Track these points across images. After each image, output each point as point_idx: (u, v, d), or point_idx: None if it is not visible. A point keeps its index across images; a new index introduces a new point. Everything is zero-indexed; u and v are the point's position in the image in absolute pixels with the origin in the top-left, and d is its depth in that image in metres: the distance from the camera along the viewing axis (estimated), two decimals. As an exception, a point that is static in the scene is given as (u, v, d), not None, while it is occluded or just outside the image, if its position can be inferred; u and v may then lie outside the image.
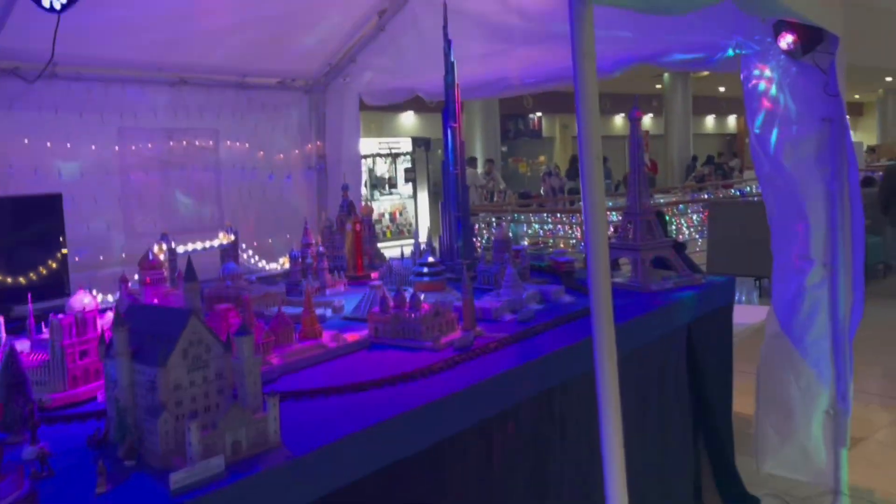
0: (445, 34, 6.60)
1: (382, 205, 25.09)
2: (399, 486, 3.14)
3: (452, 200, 6.71)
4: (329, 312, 5.26)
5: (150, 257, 5.25)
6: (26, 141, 6.50)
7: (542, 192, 25.45)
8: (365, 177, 25.07)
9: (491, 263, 6.15)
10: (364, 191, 25.27)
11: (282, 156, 8.66)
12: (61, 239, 6.10)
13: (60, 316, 3.49)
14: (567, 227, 16.51)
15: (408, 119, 25.90)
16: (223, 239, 6.70)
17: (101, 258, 6.88)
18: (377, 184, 24.55)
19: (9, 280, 5.89)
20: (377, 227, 25.54)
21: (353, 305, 5.29)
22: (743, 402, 6.19)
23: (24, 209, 6.08)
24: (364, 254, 7.24)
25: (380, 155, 25.13)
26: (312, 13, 7.56)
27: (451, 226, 6.73)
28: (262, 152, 8.42)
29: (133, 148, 7.30)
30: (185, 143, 7.74)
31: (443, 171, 6.89)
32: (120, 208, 7.20)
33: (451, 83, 6.68)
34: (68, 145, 6.75)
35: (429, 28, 6.96)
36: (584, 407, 3.85)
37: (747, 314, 6.92)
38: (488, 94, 9.47)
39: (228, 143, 8.12)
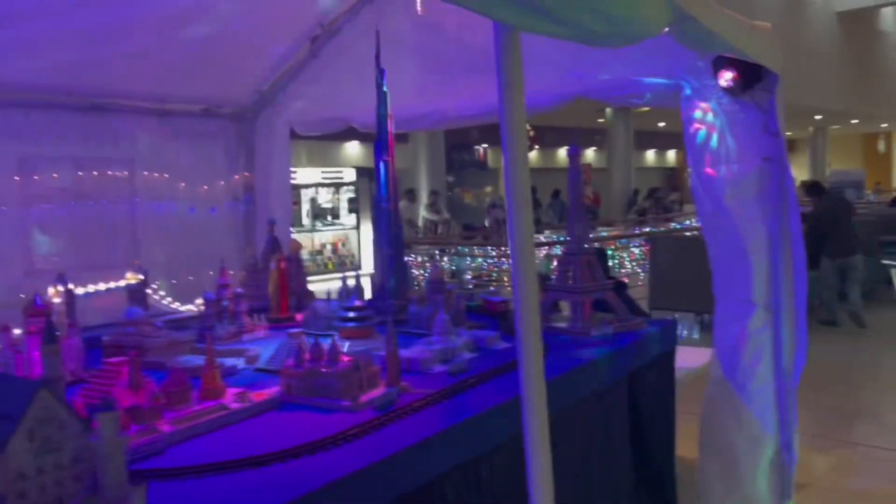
0: (378, 62, 6.27)
1: (325, 235, 24.47)
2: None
3: (384, 237, 6.33)
4: (242, 363, 4.78)
5: (37, 302, 4.69)
6: None
7: (486, 224, 25.28)
8: (307, 206, 24.50)
9: (424, 305, 5.77)
10: (306, 220, 24.66)
11: (206, 187, 8.14)
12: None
13: None
14: (509, 261, 16.29)
15: (352, 148, 25.52)
16: (131, 279, 6.15)
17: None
18: (319, 214, 23.95)
19: None
20: (318, 258, 24.93)
21: (270, 354, 4.83)
22: (687, 446, 5.92)
23: None
24: (291, 293, 6.77)
25: (322, 185, 24.56)
26: (241, 37, 7.13)
27: (384, 264, 6.34)
28: (183, 183, 7.89)
29: (36, 178, 6.71)
30: (95, 173, 7.16)
31: (374, 206, 6.51)
32: (19, 244, 6.58)
33: (383, 114, 6.34)
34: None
35: (363, 56, 6.62)
36: (517, 474, 3.47)
37: (690, 357, 6.69)
38: (424, 126, 9.16)
39: (146, 173, 7.57)
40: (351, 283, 5.97)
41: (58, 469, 2.32)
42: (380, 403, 3.76)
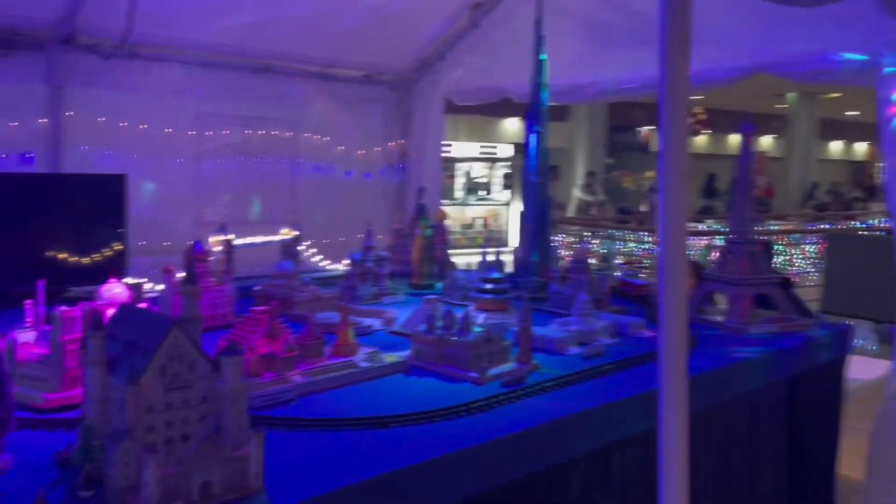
0: (538, 29, 6.04)
1: (476, 210, 24.57)
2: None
3: (531, 212, 6.14)
4: (379, 324, 4.81)
5: (197, 248, 4.96)
6: (102, 119, 6.41)
7: (642, 209, 24.27)
8: (462, 180, 24.69)
9: (566, 284, 5.53)
10: (459, 194, 24.90)
11: (362, 152, 8.32)
12: (122, 221, 5.95)
13: (64, 308, 3.17)
14: (667, 248, 15.49)
15: (512, 125, 25.35)
16: (286, 234, 6.39)
17: (167, 244, 6.69)
18: (473, 188, 24.09)
19: (68, 259, 5.79)
20: (468, 232, 25.15)
21: (405, 318, 4.82)
22: (851, 465, 5.31)
23: (88, 188, 5.96)
24: (434, 261, 6.77)
25: (478, 159, 24.64)
26: (405, 5, 7.17)
27: (528, 239, 6.16)
28: (341, 147, 8.11)
29: (209, 134, 7.13)
30: (262, 132, 7.51)
31: (523, 179, 6.33)
32: (191, 194, 7.05)
33: (539, 83, 6.11)
34: (143, 126, 6.62)
35: (523, 25, 6.40)
36: (649, 470, 3.21)
37: (864, 368, 6.00)
38: (582, 99, 8.81)
39: (307, 135, 7.84)
40: (492, 256, 5.85)
41: (186, 406, 2.38)
42: (508, 379, 3.62)
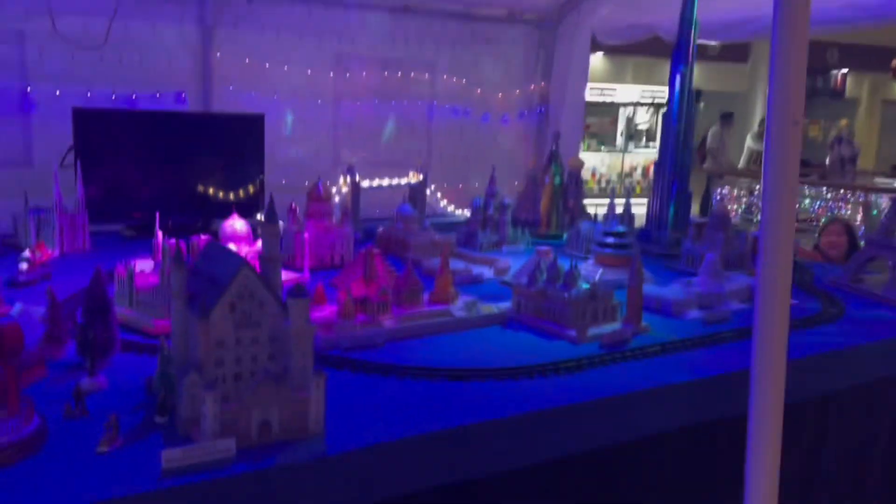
0: (688, -40, 5.49)
1: (637, 158, 23.49)
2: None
3: (669, 161, 5.69)
4: (489, 273, 4.70)
5: (319, 189, 5.06)
6: (247, 61, 6.65)
7: (827, 161, 22.05)
8: (621, 126, 23.67)
9: (701, 241, 5.11)
10: (619, 140, 23.97)
11: (501, 95, 8.09)
12: (262, 159, 6.20)
13: (173, 240, 3.32)
14: (847, 207, 14.04)
15: (679, 67, 23.70)
16: (413, 178, 6.38)
17: (307, 183, 6.88)
18: (634, 135, 23.03)
19: (215, 194, 6.13)
20: (627, 181, 24.17)
21: (516, 269, 4.67)
22: None
23: (231, 127, 6.25)
24: (566, 211, 6.51)
25: (641, 104, 23.45)
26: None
27: (664, 190, 5.73)
28: (479, 90, 7.93)
29: (348, 75, 7.21)
30: (400, 74, 7.49)
31: (663, 124, 5.86)
32: (329, 135, 7.21)
33: (689, 18, 5.57)
34: (286, 68, 6.80)
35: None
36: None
37: None
38: (736, 37, 7.99)
39: (445, 77, 7.73)
40: (621, 207, 5.52)
41: (255, 344, 2.41)
42: (609, 340, 3.39)
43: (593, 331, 3.45)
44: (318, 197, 4.96)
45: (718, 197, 14.08)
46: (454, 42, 7.69)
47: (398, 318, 3.44)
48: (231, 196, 6.23)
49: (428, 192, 6.50)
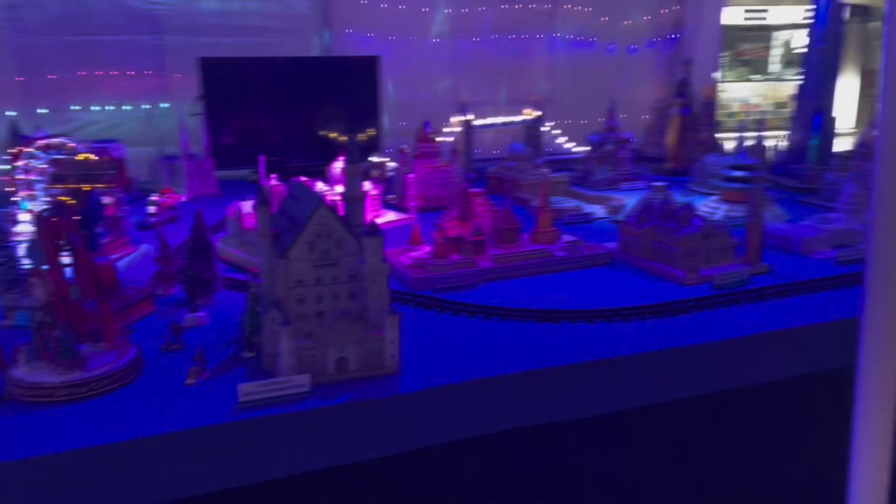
0: None
1: (792, 86, 21.62)
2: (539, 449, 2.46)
3: (812, 85, 5.12)
4: (601, 212, 4.48)
5: (427, 128, 4.99)
6: (364, 2, 6.63)
7: None
8: (779, 51, 21.76)
9: (846, 174, 4.60)
10: (774, 68, 22.18)
11: (628, 22, 7.60)
12: (376, 101, 6.23)
13: (274, 183, 3.38)
14: None
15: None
16: (528, 114, 6.16)
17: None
18: (792, 61, 21.17)
19: (330, 136, 6.24)
20: (781, 111, 22.36)
21: (630, 207, 4.42)
22: None
23: (345, 70, 6.29)
24: (697, 144, 6.08)
25: (799, 26, 21.48)
26: None
27: (806, 119, 5.19)
28: (605, 18, 7.48)
29: (464, 11, 7.02)
30: (518, 6, 7.20)
31: (808, 45, 5.26)
32: (447, 74, 7.09)
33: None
34: (401, 7, 6.72)
35: None
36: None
37: None
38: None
39: (568, 6, 7.35)
40: (752, 140, 5.05)
41: (334, 283, 2.41)
42: (722, 282, 3.13)
43: (705, 272, 3.19)
44: (425, 138, 4.90)
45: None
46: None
47: (494, 259, 3.35)
48: (341, 138, 6.32)
49: (546, 128, 6.28)
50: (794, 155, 5.24)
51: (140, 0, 6.06)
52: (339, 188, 4.28)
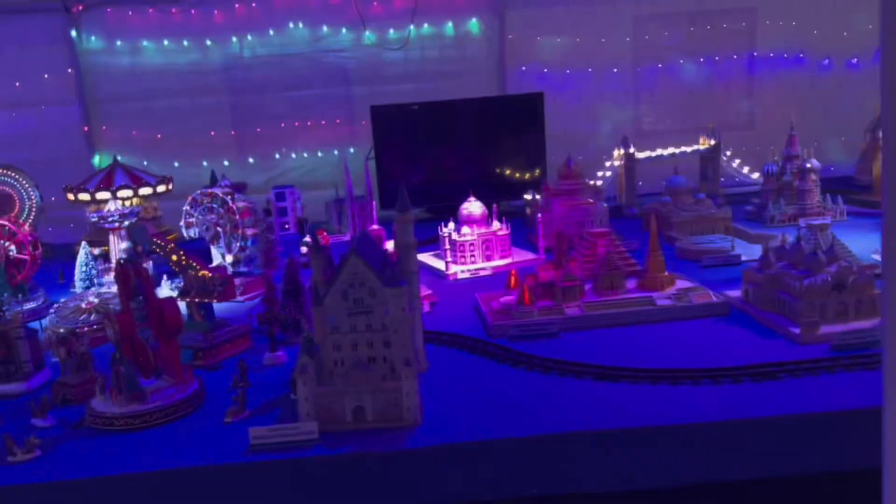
0: None
1: None
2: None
3: None
4: (752, 252, 3.96)
5: (570, 164, 4.81)
6: (538, 39, 6.63)
7: None
8: None
9: None
10: None
11: (846, 34, 6.68)
12: (542, 137, 6.16)
13: (375, 227, 3.51)
14: None
15: None
16: (703, 144, 5.65)
17: (605, 157, 6.58)
18: None
19: (497, 174, 6.28)
20: None
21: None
22: None
23: (510, 108, 6.30)
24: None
25: None
26: None
27: None
28: (815, 31, 6.66)
29: (646, 37, 6.70)
30: (709, 27, 6.69)
31: None
32: (628, 103, 6.79)
33: None
34: (577, 40, 6.61)
35: None
36: None
37: None
38: None
39: (768, 22, 6.66)
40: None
41: (369, 330, 2.43)
42: (843, 342, 2.62)
43: (830, 329, 2.71)
44: (567, 174, 4.75)
45: None
46: (779, -20, 6.58)
47: (588, 305, 3.14)
48: (516, 176, 6.34)
49: (726, 157, 5.73)
50: None
51: (333, 55, 6.67)
52: (466, 229, 4.31)
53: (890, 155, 1.43)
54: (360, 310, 2.44)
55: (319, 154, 6.81)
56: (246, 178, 6.45)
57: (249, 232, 4.09)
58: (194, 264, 3.20)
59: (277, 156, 6.81)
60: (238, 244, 4.12)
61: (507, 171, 6.33)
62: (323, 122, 6.77)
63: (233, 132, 6.76)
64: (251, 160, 6.81)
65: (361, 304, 2.44)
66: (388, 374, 2.36)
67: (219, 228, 4.12)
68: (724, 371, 2.49)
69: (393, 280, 2.36)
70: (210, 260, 4.11)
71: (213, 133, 6.69)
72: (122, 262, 2.58)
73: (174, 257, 3.18)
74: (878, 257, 3.65)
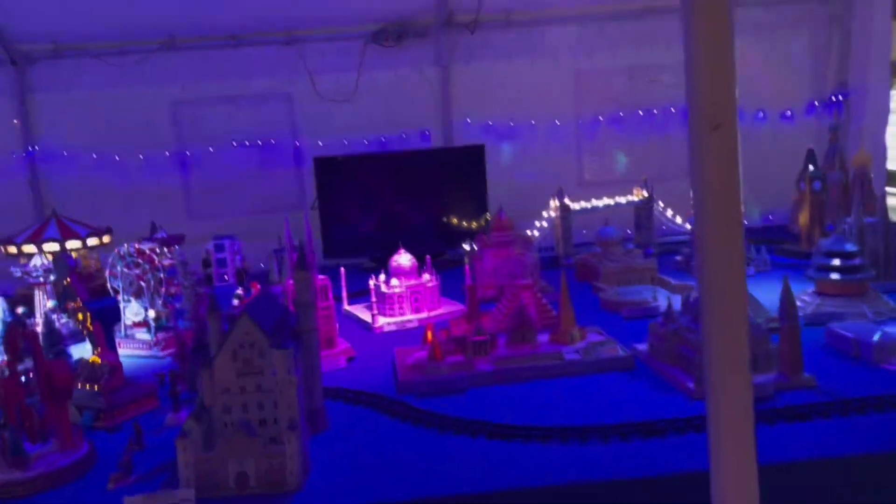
0: None
1: None
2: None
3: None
4: (677, 304, 4.02)
5: (501, 215, 4.87)
6: (482, 91, 6.76)
7: None
8: None
9: None
10: None
11: (779, 87, 6.90)
12: (484, 188, 6.25)
13: (321, 277, 3.51)
14: None
15: None
16: (637, 195, 5.76)
17: (540, 209, 6.64)
18: None
19: (440, 224, 6.33)
20: None
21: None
22: None
23: (451, 160, 6.41)
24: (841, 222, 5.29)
25: None
26: None
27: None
28: (749, 84, 6.87)
29: (588, 91, 6.87)
30: (648, 81, 6.89)
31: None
32: (570, 154, 6.92)
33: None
34: (518, 93, 6.75)
35: None
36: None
37: None
38: None
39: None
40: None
41: (259, 391, 2.42)
42: (737, 398, 2.65)
43: (725, 384, 2.73)
44: (499, 225, 4.80)
45: None
46: (712, 36, 6.79)
47: (499, 360, 3.15)
48: (464, 225, 6.39)
49: (660, 207, 5.85)
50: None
51: (281, 105, 6.74)
52: (395, 281, 4.32)
53: (699, 198, 1.48)
54: (250, 370, 2.43)
55: (261, 204, 6.80)
56: (193, 228, 6.46)
57: (173, 289, 4.07)
58: (91, 331, 3.16)
59: (224, 205, 6.81)
60: (160, 300, 4.09)
61: (455, 221, 6.37)
62: (270, 171, 6.81)
63: (180, 181, 6.77)
64: (198, 209, 6.81)
65: (251, 364, 2.43)
66: (279, 436, 2.34)
67: (142, 283, 4.10)
68: (613, 428, 2.51)
69: (280, 341, 2.36)
70: (119, 318, 4.07)
71: (161, 181, 6.70)
72: (9, 323, 2.55)
73: (80, 316, 3.15)
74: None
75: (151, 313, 4.05)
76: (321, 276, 3.77)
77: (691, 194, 1.65)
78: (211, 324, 2.63)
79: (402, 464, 2.44)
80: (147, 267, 4.11)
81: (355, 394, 3.01)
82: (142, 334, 4.07)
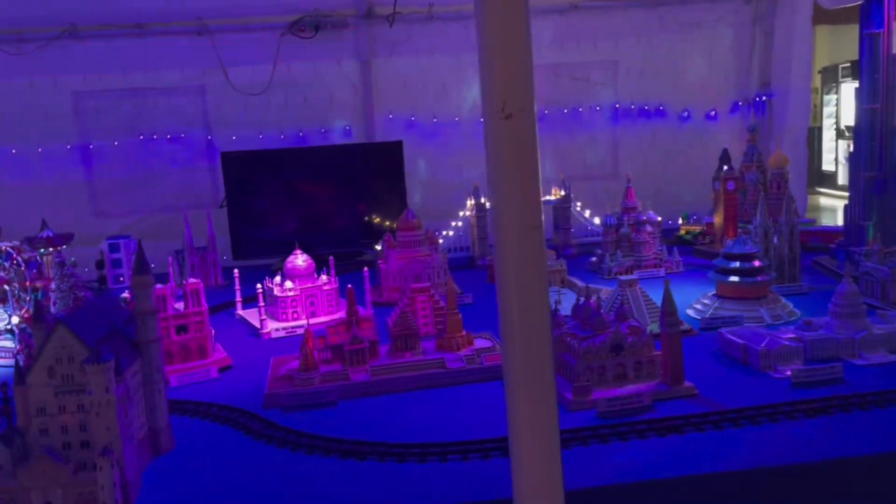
0: None
1: None
2: None
3: (863, 152, 4.21)
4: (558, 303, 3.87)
5: (409, 215, 4.66)
6: (404, 86, 6.55)
7: None
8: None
9: (886, 260, 3.69)
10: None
11: (704, 87, 6.86)
12: (402, 185, 6.05)
13: (159, 286, 3.24)
14: None
15: None
16: (555, 195, 5.63)
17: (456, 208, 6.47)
18: None
19: (365, 221, 6.09)
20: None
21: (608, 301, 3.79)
22: None
23: (369, 156, 6.19)
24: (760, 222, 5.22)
25: None
26: None
27: (860, 193, 4.25)
28: (675, 84, 6.81)
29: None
30: (572, 79, 6.77)
31: (856, 106, 4.34)
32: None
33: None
34: (443, 88, 6.57)
35: None
36: None
37: None
38: None
39: (629, 74, 6.78)
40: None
41: (82, 411, 2.17)
42: (608, 409, 2.50)
43: (602, 395, 2.58)
44: (406, 225, 4.59)
45: None
46: (639, 34, 6.71)
47: (375, 370, 2.94)
48: (386, 224, 6.16)
49: (577, 207, 5.73)
50: (848, 235, 4.33)
51: (193, 98, 6.41)
52: (289, 283, 4.09)
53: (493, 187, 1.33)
54: (70, 388, 2.18)
55: (172, 201, 6.46)
56: (97, 226, 6.12)
57: (39, 284, 3.75)
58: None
59: (129, 203, 6.46)
60: (28, 298, 3.77)
61: (377, 219, 6.14)
62: (179, 168, 6.48)
63: (83, 176, 6.40)
64: (106, 207, 6.45)
65: (72, 381, 2.18)
66: (91, 462, 2.09)
67: (6, 287, 3.78)
68: (474, 444, 2.32)
69: (105, 354, 2.10)
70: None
71: (63, 177, 6.33)
72: None
73: None
74: (691, 312, 3.61)
75: (15, 319, 3.73)
76: (192, 280, 3.51)
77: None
78: (35, 334, 2.36)
79: (252, 490, 2.21)
80: (12, 270, 3.79)
81: (210, 409, 2.77)
82: (5, 341, 3.76)
